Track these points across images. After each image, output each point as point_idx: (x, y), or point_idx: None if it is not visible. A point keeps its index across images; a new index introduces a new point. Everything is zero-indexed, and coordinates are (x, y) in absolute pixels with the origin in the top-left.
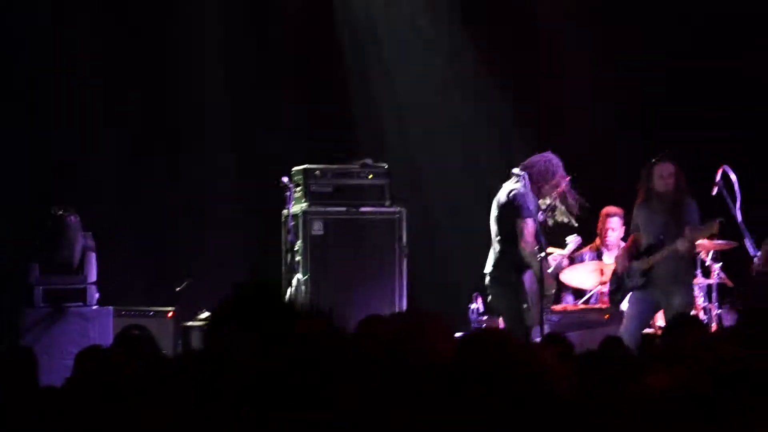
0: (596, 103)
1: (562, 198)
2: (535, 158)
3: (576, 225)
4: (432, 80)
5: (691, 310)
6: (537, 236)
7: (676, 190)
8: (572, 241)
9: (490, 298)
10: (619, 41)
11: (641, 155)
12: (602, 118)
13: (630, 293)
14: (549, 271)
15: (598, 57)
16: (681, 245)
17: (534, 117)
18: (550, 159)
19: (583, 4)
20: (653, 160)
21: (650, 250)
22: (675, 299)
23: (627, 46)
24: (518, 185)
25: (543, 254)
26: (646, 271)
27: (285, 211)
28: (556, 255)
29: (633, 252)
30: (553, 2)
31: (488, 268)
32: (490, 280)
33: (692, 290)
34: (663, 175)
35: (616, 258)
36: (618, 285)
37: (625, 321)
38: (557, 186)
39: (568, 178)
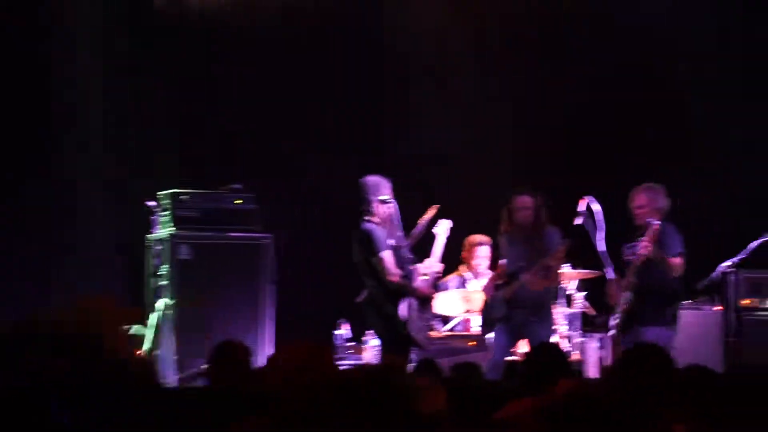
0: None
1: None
2: (366, 180)
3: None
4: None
5: (550, 338)
6: (400, 262)
7: (535, 221)
8: (442, 229)
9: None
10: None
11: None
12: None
13: (496, 322)
14: (425, 282)
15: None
16: (525, 278)
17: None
18: (378, 179)
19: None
20: (514, 192)
21: (511, 280)
22: (535, 327)
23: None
24: (366, 220)
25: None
26: (508, 301)
27: (150, 236)
28: (426, 264)
29: (497, 281)
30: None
31: (363, 296)
32: (367, 312)
33: (551, 319)
34: (522, 207)
35: (484, 288)
36: (486, 314)
37: (492, 349)
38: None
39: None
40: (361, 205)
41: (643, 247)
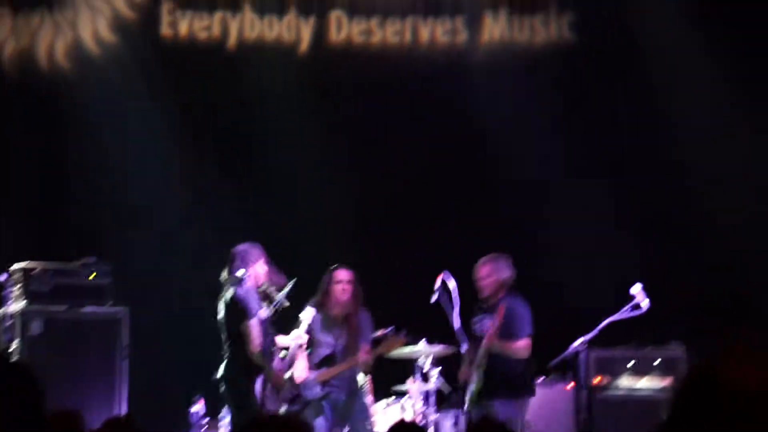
0: None
1: (270, 281)
2: (239, 249)
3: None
4: None
5: (365, 415)
6: (265, 334)
7: (353, 297)
8: (306, 316)
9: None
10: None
11: None
12: None
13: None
14: (282, 363)
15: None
16: (360, 359)
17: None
18: (248, 246)
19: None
20: (332, 267)
21: (327, 361)
22: (351, 405)
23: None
24: (240, 286)
25: (273, 349)
26: (324, 383)
27: (2, 310)
28: (291, 338)
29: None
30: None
31: (220, 371)
32: (222, 384)
33: (365, 398)
34: (341, 281)
35: (294, 368)
36: (295, 395)
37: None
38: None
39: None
40: (229, 272)
41: (488, 337)
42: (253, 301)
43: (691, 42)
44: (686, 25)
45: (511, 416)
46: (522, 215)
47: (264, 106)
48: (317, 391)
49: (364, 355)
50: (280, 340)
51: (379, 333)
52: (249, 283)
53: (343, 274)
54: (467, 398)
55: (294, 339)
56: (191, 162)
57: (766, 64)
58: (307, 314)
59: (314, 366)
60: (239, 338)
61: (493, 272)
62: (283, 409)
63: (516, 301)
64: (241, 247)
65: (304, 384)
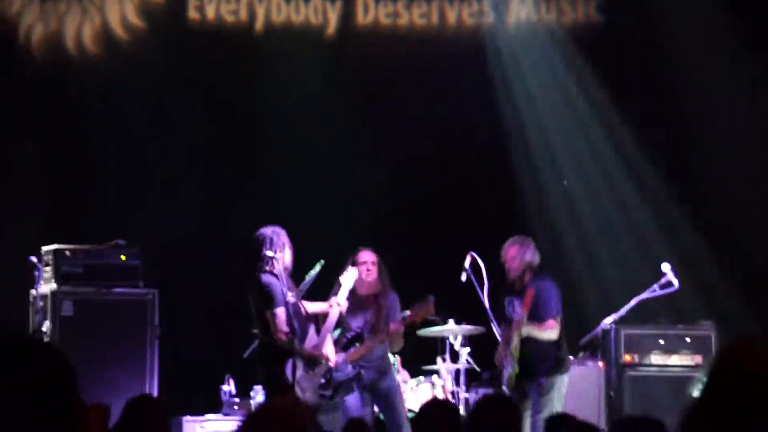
0: None
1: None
2: (265, 232)
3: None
4: None
5: (396, 393)
6: (290, 322)
7: (379, 278)
8: (348, 279)
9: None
10: None
11: None
12: None
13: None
14: (314, 343)
15: None
16: (392, 330)
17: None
18: (275, 229)
19: None
20: (356, 249)
21: (354, 343)
22: (382, 384)
23: None
24: (265, 271)
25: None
26: (354, 362)
27: (33, 291)
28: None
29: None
30: None
31: (251, 353)
32: (258, 367)
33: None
34: (366, 261)
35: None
36: (327, 379)
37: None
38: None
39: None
40: (256, 256)
41: (516, 324)
42: (278, 286)
43: (717, 26)
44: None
45: (548, 392)
46: (549, 195)
47: (292, 89)
48: (349, 370)
49: (394, 326)
50: (313, 306)
51: (408, 313)
52: (278, 267)
53: (366, 255)
54: (504, 381)
55: (335, 303)
56: (217, 146)
57: None
58: (349, 277)
59: (342, 348)
60: (267, 325)
61: (519, 254)
62: (315, 393)
63: (544, 283)
64: (268, 231)
65: (335, 366)
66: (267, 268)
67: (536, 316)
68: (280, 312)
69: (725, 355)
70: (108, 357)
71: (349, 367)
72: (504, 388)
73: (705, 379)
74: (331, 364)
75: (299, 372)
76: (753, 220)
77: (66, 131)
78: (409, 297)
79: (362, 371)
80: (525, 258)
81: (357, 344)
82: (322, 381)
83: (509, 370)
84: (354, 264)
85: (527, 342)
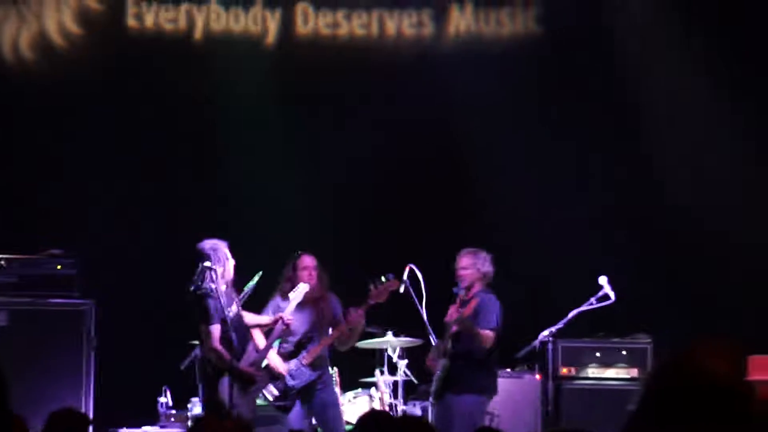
0: None
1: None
2: (206, 246)
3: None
4: None
5: (335, 406)
6: (226, 339)
7: (319, 282)
8: (297, 294)
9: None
10: None
11: None
12: None
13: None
14: (251, 360)
15: None
16: (352, 318)
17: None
18: (215, 243)
19: None
20: (296, 253)
21: (299, 348)
22: (321, 397)
23: None
24: (202, 288)
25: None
26: (312, 363)
27: None
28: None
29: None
30: None
31: (188, 363)
32: (198, 379)
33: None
34: (306, 267)
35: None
36: (282, 390)
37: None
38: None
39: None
40: (197, 268)
41: (450, 314)
42: (214, 304)
43: (660, 32)
44: (654, 15)
45: (471, 411)
46: (489, 206)
47: (231, 97)
48: (308, 375)
49: (355, 315)
50: (258, 319)
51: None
52: (217, 282)
53: (307, 261)
54: (432, 389)
55: (283, 318)
56: (157, 154)
57: (743, 52)
58: (300, 292)
59: (288, 356)
60: (202, 339)
61: (473, 264)
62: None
63: (490, 296)
64: (209, 244)
65: (290, 374)
66: (205, 283)
67: (475, 325)
68: (215, 330)
69: (663, 366)
70: (43, 368)
71: (308, 371)
72: (431, 398)
73: (642, 390)
74: (283, 372)
75: (233, 390)
76: (690, 232)
77: (1, 139)
78: (346, 305)
79: (322, 373)
80: (480, 268)
81: (303, 351)
82: (277, 394)
83: (438, 374)
84: (295, 269)
85: (459, 346)
